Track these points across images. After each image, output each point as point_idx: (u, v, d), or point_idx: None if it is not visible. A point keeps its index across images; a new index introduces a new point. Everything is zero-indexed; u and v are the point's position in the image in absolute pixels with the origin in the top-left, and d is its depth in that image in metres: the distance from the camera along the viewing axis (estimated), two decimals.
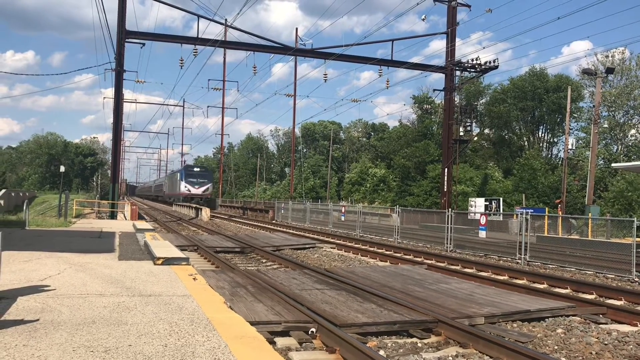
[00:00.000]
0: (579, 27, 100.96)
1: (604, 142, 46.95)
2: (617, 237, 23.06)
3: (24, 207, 20.11)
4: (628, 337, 7.15)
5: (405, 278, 11.16)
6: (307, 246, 18.69)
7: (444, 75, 35.60)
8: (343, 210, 34.49)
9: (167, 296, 6.62)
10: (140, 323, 5.19)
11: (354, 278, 10.81)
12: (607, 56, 48.15)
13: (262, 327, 6.37)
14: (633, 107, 48.07)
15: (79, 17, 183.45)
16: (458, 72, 35.85)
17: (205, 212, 37.88)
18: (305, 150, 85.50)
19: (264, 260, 15.14)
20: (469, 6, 35.15)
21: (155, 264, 9.55)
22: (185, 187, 55.35)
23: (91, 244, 13.32)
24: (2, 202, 39.43)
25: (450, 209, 21.04)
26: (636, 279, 12.53)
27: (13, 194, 49.46)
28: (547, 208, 34.69)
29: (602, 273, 13.46)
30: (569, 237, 23.96)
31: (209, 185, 57.65)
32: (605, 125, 46.70)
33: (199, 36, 31.34)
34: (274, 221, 37.24)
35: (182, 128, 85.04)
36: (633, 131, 48.04)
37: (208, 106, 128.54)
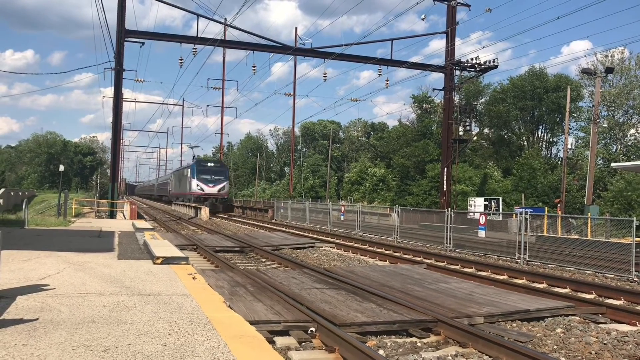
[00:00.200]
0: (578, 27, 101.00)
1: (603, 141, 46.97)
2: (617, 236, 23.08)
3: (23, 206, 20.09)
4: (627, 336, 7.16)
5: (404, 277, 11.16)
6: (306, 245, 18.69)
7: (443, 74, 35.60)
8: (342, 210, 34.49)
9: (166, 295, 6.61)
10: (139, 322, 5.19)
11: (354, 277, 10.81)
12: (606, 56, 48.15)
13: (261, 326, 6.37)
14: (632, 106, 48.07)
15: (78, 16, 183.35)
16: (457, 72, 35.87)
17: (205, 212, 37.87)
18: (304, 149, 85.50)
19: (263, 260, 15.13)
20: (468, 6, 35.14)
21: (154, 263, 9.55)
22: (198, 185, 46.00)
23: (90, 243, 13.31)
24: (1, 201, 39.42)
25: (449, 209, 21.04)
26: (635, 279, 12.54)
27: (12, 193, 49.44)
28: (546, 208, 34.70)
29: (601, 273, 13.47)
30: (569, 236, 23.96)
31: (225, 183, 47.96)
32: (605, 125, 46.70)
33: (199, 35, 31.31)
34: (273, 220, 37.24)
35: (182, 127, 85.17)
36: (632, 131, 48.04)
37: (207, 105, 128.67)
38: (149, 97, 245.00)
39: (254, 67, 34.32)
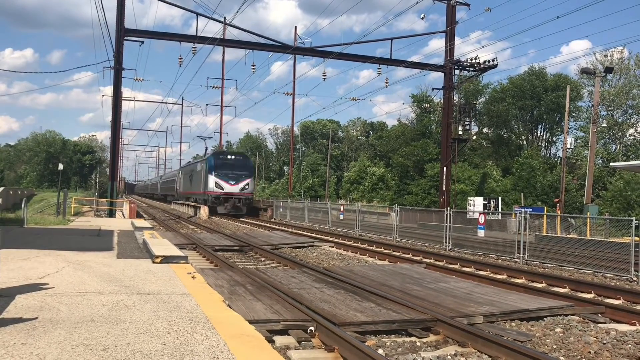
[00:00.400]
0: (578, 27, 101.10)
1: (602, 141, 47.00)
2: (616, 236, 23.11)
3: (23, 205, 20.07)
4: (626, 336, 7.16)
5: (403, 277, 11.16)
6: (305, 245, 18.68)
7: (443, 74, 35.59)
8: (342, 209, 34.50)
9: (165, 294, 6.61)
10: (139, 321, 5.19)
11: (353, 277, 10.81)
12: (605, 55, 48.17)
13: (261, 325, 6.37)
14: (631, 106, 48.10)
15: (77, 15, 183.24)
16: (457, 71, 35.87)
17: (204, 211, 37.86)
18: (304, 148, 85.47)
19: (262, 259, 15.13)
20: (468, 5, 35.14)
21: (153, 262, 9.55)
22: (216, 183, 38.43)
23: (90, 242, 13.30)
24: (0, 200, 39.39)
25: (448, 208, 21.05)
26: (634, 278, 12.55)
27: (11, 192, 49.39)
28: (545, 207, 34.71)
29: (600, 272, 13.48)
30: (568, 236, 23.99)
31: (250, 179, 40.21)
32: (604, 125, 46.71)
33: (198, 34, 31.30)
34: (272, 220, 37.24)
35: (181, 126, 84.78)
36: (631, 130, 48.07)
37: (207, 104, 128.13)
38: (148, 96, 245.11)
39: (253, 66, 34.36)
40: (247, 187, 39.79)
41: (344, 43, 33.51)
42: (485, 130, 57.94)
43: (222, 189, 38.50)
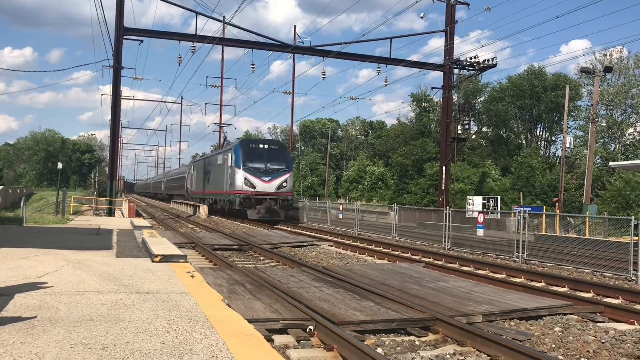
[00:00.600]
0: (577, 26, 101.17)
1: (601, 140, 47.03)
2: (615, 235, 23.12)
3: (22, 204, 20.06)
4: (625, 335, 7.17)
5: (403, 276, 11.16)
6: (304, 244, 18.69)
7: (442, 73, 35.58)
8: (341, 208, 34.49)
9: (164, 293, 6.61)
10: (138, 320, 5.19)
11: (352, 276, 10.81)
12: (605, 55, 48.20)
13: (260, 324, 6.37)
14: (631, 105, 48.14)
15: (77, 14, 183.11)
16: (456, 70, 35.85)
17: (203, 210, 37.82)
18: (303, 147, 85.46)
19: (261, 258, 15.13)
20: (467, 4, 35.11)
21: (153, 261, 9.55)
22: (246, 180, 30.13)
23: (89, 241, 13.30)
24: None
25: (448, 207, 21.06)
26: (633, 278, 12.56)
27: (10, 191, 49.35)
28: (544, 206, 34.74)
29: (599, 271, 13.49)
30: (567, 235, 24.00)
31: (288, 175, 31.47)
32: (603, 124, 46.76)
33: (197, 33, 31.27)
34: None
35: (180, 125, 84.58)
36: (631, 130, 48.13)
37: (206, 103, 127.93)
38: (147, 94, 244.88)
39: (252, 65, 34.32)
40: (285, 184, 30.79)
41: (344, 42, 33.51)
42: (484, 129, 57.99)
43: (254, 187, 29.91)
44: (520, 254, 15.78)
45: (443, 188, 35.17)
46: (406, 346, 6.48)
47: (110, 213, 29.76)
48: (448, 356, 6.09)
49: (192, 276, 8.07)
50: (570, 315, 8.20)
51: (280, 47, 33.76)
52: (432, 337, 6.85)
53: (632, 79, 47.95)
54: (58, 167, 40.39)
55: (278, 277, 10.32)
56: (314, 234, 23.43)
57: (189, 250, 15.30)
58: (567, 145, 36.93)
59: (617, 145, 48.50)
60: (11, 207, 37.94)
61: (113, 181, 31.83)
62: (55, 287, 6.71)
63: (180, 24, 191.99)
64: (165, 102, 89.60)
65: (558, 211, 30.54)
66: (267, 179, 30.49)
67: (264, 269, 11.99)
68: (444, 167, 35.21)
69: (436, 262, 14.83)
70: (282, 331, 6.61)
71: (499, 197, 36.70)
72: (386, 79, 35.61)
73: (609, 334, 7.22)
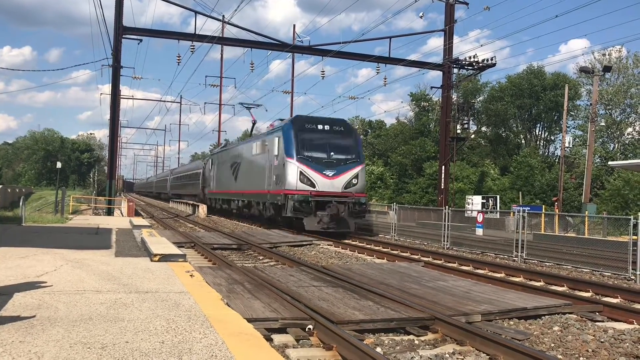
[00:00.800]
0: (576, 26, 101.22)
1: (600, 140, 47.06)
2: (614, 235, 23.14)
3: (21, 203, 20.04)
4: (624, 334, 7.18)
5: (402, 275, 11.16)
6: (304, 243, 18.68)
7: (441, 72, 35.58)
8: None
9: (164, 293, 6.61)
10: (137, 320, 5.19)
11: (351, 275, 10.82)
12: (604, 54, 48.25)
13: (259, 324, 6.36)
14: (630, 105, 48.19)
15: (76, 13, 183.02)
16: (455, 70, 35.85)
17: (202, 209, 37.79)
18: None
19: (261, 257, 15.13)
20: (466, 4, 35.10)
21: (152, 260, 9.54)
22: (302, 174, 21.75)
23: (88, 240, 13.30)
24: None
25: (447, 207, 21.06)
26: (632, 277, 12.57)
27: (9, 190, 49.31)
28: (543, 206, 34.76)
29: (598, 271, 13.50)
30: (566, 235, 24.02)
31: (360, 168, 22.91)
32: (602, 124, 46.79)
33: (196, 32, 31.25)
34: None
35: (179, 124, 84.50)
36: (630, 129, 48.18)
37: (205, 103, 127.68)
38: (146, 94, 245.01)
39: (251, 64, 34.29)
40: (355, 181, 22.10)
41: (343, 42, 33.52)
42: (483, 128, 57.98)
43: (313, 185, 21.44)
44: (519, 254, 15.78)
45: (442, 187, 35.18)
46: (405, 345, 6.48)
47: (110, 212, 29.75)
48: (447, 355, 6.09)
49: (191, 275, 8.07)
50: (569, 315, 8.21)
51: (279, 46, 33.74)
52: (432, 337, 6.85)
53: (631, 79, 48.00)
54: (57, 167, 40.30)
55: (277, 276, 10.32)
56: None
57: (188, 249, 15.30)
58: (566, 145, 36.92)
59: (616, 145, 48.55)
60: (10, 206, 37.92)
61: (112, 180, 31.81)
62: (54, 287, 6.70)
63: (180, 24, 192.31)
64: (164, 101, 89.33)
65: (557, 210, 30.58)
66: (330, 173, 21.60)
67: (263, 268, 11.98)
68: (443, 167, 35.23)
69: (435, 261, 14.83)
70: (282, 330, 6.61)
71: (498, 197, 36.73)
72: (385, 79, 35.60)
73: (608, 333, 7.23)
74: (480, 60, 33.98)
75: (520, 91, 50.51)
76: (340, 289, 9.10)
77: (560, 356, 6.36)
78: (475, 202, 34.67)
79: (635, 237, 12.90)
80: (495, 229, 27.36)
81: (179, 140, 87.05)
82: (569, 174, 42.47)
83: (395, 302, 8.04)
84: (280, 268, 12.29)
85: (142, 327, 4.90)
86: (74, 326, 4.85)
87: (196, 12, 31.44)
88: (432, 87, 38.67)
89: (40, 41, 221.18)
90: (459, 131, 38.34)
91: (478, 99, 57.53)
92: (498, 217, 30.36)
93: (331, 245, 18.55)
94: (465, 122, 40.39)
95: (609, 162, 35.08)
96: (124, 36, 30.00)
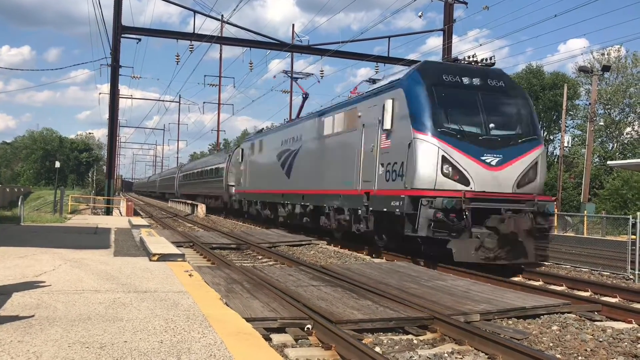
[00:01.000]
0: (575, 25, 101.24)
1: (599, 139, 47.12)
2: (613, 234, 23.18)
3: (19, 203, 20.04)
4: (623, 334, 7.18)
5: (401, 275, 11.16)
6: (303, 243, 18.66)
7: None
8: None
9: (162, 292, 6.61)
10: (135, 319, 5.18)
11: (350, 275, 10.81)
12: (603, 54, 48.31)
13: (258, 323, 6.36)
14: (629, 104, 48.26)
15: (75, 13, 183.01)
16: None
17: (201, 209, 37.77)
18: None
19: (259, 257, 15.13)
20: (465, 3, 35.06)
21: (150, 260, 9.54)
22: (444, 160, 12.01)
23: (87, 240, 13.29)
24: None
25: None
26: (631, 277, 12.57)
27: (8, 190, 49.28)
28: None
29: (597, 270, 13.50)
30: (565, 234, 24.04)
31: (539, 150, 12.94)
32: (601, 123, 46.85)
33: (195, 32, 31.22)
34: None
35: (178, 124, 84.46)
36: (629, 129, 48.24)
37: (204, 102, 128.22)
38: (145, 93, 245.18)
39: (250, 64, 34.30)
40: (533, 174, 12.96)
41: (342, 41, 33.51)
42: None
43: (467, 181, 12.31)
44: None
45: None
46: (404, 345, 6.48)
47: (108, 212, 29.75)
48: (446, 355, 6.09)
49: (190, 275, 8.07)
50: (568, 314, 8.21)
51: (278, 45, 33.73)
52: (430, 336, 6.85)
53: (630, 78, 48.07)
54: (56, 166, 40.29)
55: (276, 276, 10.32)
56: (312, 233, 23.40)
57: (187, 249, 15.29)
58: (565, 144, 36.94)
59: (615, 144, 48.61)
60: (9, 206, 37.90)
61: (111, 180, 31.79)
62: (53, 286, 6.70)
63: (179, 23, 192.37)
64: (163, 100, 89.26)
65: (556, 210, 30.60)
66: (493, 159, 12.56)
67: (262, 267, 11.98)
68: None
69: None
70: (280, 330, 6.61)
71: None
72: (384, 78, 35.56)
73: (607, 333, 7.23)
74: (479, 59, 33.94)
75: None
76: (339, 288, 9.10)
77: (558, 355, 6.36)
78: None
79: (634, 237, 12.90)
80: None
81: (178, 140, 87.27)
82: (568, 174, 42.52)
83: (394, 301, 8.04)
84: (279, 268, 12.29)
85: (141, 327, 4.90)
86: (72, 326, 4.84)
87: (195, 12, 31.43)
88: None
89: (40, 41, 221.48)
90: None
91: None
92: None
93: (330, 245, 18.55)
94: None
95: (608, 162, 35.12)
96: (122, 36, 29.97)
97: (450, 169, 12.22)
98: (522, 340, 6.77)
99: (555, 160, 46.85)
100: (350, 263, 14.07)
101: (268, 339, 6.09)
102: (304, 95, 27.71)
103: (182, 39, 31.79)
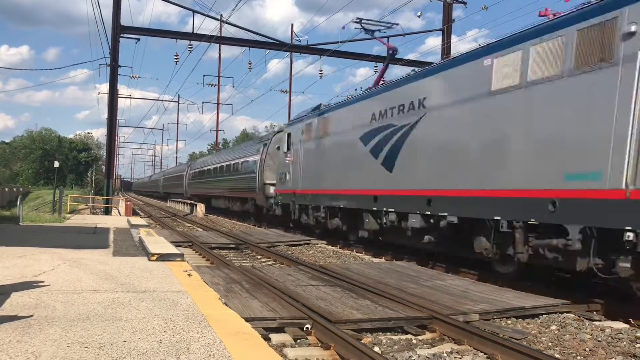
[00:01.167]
0: None
1: None
2: None
3: (18, 203, 20.03)
4: (621, 333, 7.19)
5: (400, 275, 11.17)
6: (302, 242, 18.67)
7: None
8: None
9: (161, 292, 6.60)
10: (134, 319, 5.18)
11: (349, 274, 10.82)
12: None
13: (257, 323, 6.37)
14: None
15: (74, 12, 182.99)
16: None
17: (200, 208, 37.75)
18: None
19: (258, 257, 15.13)
20: (464, 3, 35.07)
21: (149, 260, 9.54)
22: None
23: (85, 239, 13.28)
24: None
25: None
26: None
27: (7, 190, 49.24)
28: None
29: None
30: None
31: None
32: None
33: (194, 32, 31.21)
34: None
35: (177, 124, 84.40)
36: None
37: (203, 102, 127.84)
38: (144, 93, 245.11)
39: (249, 63, 34.36)
40: None
41: (341, 41, 33.48)
42: None
43: None
44: None
45: None
46: (403, 345, 6.48)
47: (107, 212, 29.74)
48: (445, 354, 6.10)
49: (189, 275, 8.07)
50: (567, 314, 8.21)
51: (277, 45, 33.72)
52: (429, 336, 6.86)
53: None
54: (55, 166, 40.23)
55: (275, 275, 10.32)
56: (312, 233, 23.42)
57: (186, 248, 15.29)
58: None
59: None
60: (7, 205, 37.86)
61: (110, 180, 31.77)
62: (52, 286, 6.70)
63: (177, 23, 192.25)
64: (162, 100, 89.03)
65: None
66: None
67: (261, 267, 11.99)
68: None
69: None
70: (279, 330, 6.61)
71: None
72: (383, 78, 35.57)
73: (605, 332, 7.24)
74: None
75: None
76: (338, 288, 9.10)
77: (557, 355, 6.37)
78: None
79: None
80: None
81: (177, 140, 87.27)
82: None
83: (393, 301, 8.05)
84: (278, 267, 12.29)
85: (140, 327, 4.90)
86: (71, 326, 4.84)
87: (194, 12, 31.40)
88: None
89: (38, 40, 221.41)
90: None
91: None
92: None
93: (329, 245, 18.55)
94: None
95: None
96: (121, 35, 29.96)
97: None
98: (521, 340, 6.78)
99: None
100: (349, 263, 14.08)
101: (267, 339, 6.10)
102: (391, 51, 19.58)
103: (181, 38, 31.77)
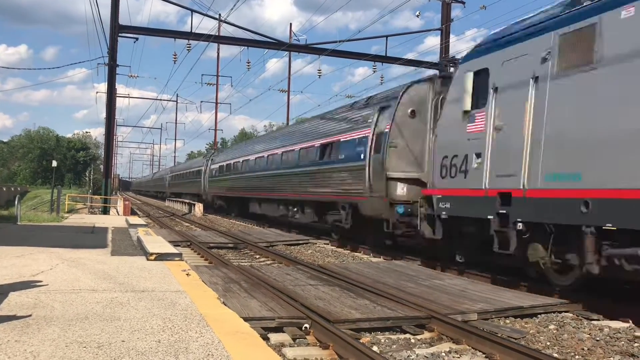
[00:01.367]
0: None
1: None
2: None
3: (16, 202, 20.01)
4: (620, 333, 7.20)
5: (399, 274, 11.17)
6: (300, 242, 18.67)
7: (438, 71, 35.62)
8: None
9: (160, 292, 6.60)
10: (133, 319, 5.18)
11: (348, 274, 10.82)
12: None
13: (255, 322, 6.36)
14: None
15: (72, 12, 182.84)
16: (452, 69, 35.87)
17: (199, 208, 37.72)
18: None
19: (257, 256, 15.12)
20: (463, 3, 35.10)
21: (148, 259, 9.53)
22: None
23: (84, 239, 13.26)
24: None
25: None
26: None
27: (5, 189, 49.18)
28: None
29: None
30: None
31: None
32: None
33: (193, 31, 31.17)
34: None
35: (176, 123, 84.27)
36: None
37: (201, 101, 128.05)
38: (142, 92, 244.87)
39: (248, 63, 34.30)
40: None
41: (339, 40, 33.47)
42: None
43: None
44: None
45: None
46: (402, 344, 6.49)
47: (105, 211, 29.70)
48: (443, 354, 6.10)
49: (187, 274, 8.06)
50: (565, 313, 8.22)
51: (276, 45, 33.70)
52: (428, 335, 6.86)
53: None
54: (53, 165, 40.22)
55: (274, 275, 10.32)
56: (310, 232, 23.42)
57: (184, 248, 15.28)
58: None
59: None
60: (5, 205, 37.83)
61: (108, 179, 31.72)
62: (50, 286, 6.69)
63: (176, 22, 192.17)
64: (160, 100, 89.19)
65: None
66: None
67: (259, 267, 11.98)
68: None
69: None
70: (278, 329, 6.61)
71: None
72: (382, 77, 35.64)
73: (604, 332, 7.25)
74: None
75: None
76: (336, 287, 9.10)
77: (556, 354, 6.38)
78: None
79: None
80: None
81: (175, 139, 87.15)
82: None
83: (392, 300, 8.05)
84: (276, 267, 12.29)
85: (139, 326, 4.89)
86: (70, 325, 4.84)
87: (193, 11, 31.34)
88: None
89: (37, 39, 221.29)
90: None
91: None
92: None
93: (328, 244, 18.55)
94: None
95: None
96: (120, 35, 29.91)
97: None
98: (520, 339, 6.78)
99: None
100: (347, 262, 14.08)
101: (266, 339, 6.10)
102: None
103: (179, 38, 31.72)
